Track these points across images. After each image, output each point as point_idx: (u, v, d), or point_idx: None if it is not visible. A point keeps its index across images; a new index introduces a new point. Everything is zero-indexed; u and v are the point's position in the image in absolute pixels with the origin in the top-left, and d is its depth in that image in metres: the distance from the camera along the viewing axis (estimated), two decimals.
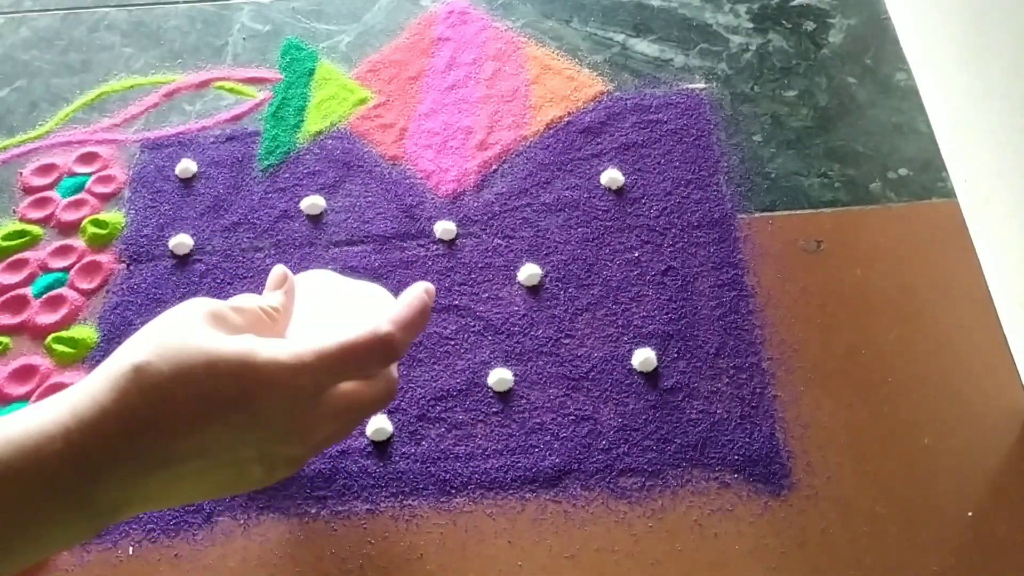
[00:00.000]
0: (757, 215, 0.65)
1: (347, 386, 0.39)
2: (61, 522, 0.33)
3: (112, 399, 0.33)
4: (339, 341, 0.37)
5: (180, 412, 0.34)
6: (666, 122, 0.70)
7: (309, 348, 0.36)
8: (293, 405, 0.36)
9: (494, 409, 0.57)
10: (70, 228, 0.66)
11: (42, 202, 0.68)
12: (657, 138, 0.69)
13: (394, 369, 0.42)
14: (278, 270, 0.44)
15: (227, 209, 0.67)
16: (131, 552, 0.52)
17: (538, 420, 0.56)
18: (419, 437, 0.56)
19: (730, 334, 0.59)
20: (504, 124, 0.71)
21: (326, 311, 0.44)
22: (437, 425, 0.56)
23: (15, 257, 0.65)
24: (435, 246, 0.64)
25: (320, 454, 0.55)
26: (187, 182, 0.68)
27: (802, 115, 0.71)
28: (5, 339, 0.61)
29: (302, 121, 0.72)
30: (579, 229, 0.65)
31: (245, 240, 0.65)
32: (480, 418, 0.57)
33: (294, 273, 0.62)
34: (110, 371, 0.34)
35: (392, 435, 0.56)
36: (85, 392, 0.34)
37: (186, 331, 0.35)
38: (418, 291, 0.41)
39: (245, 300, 0.41)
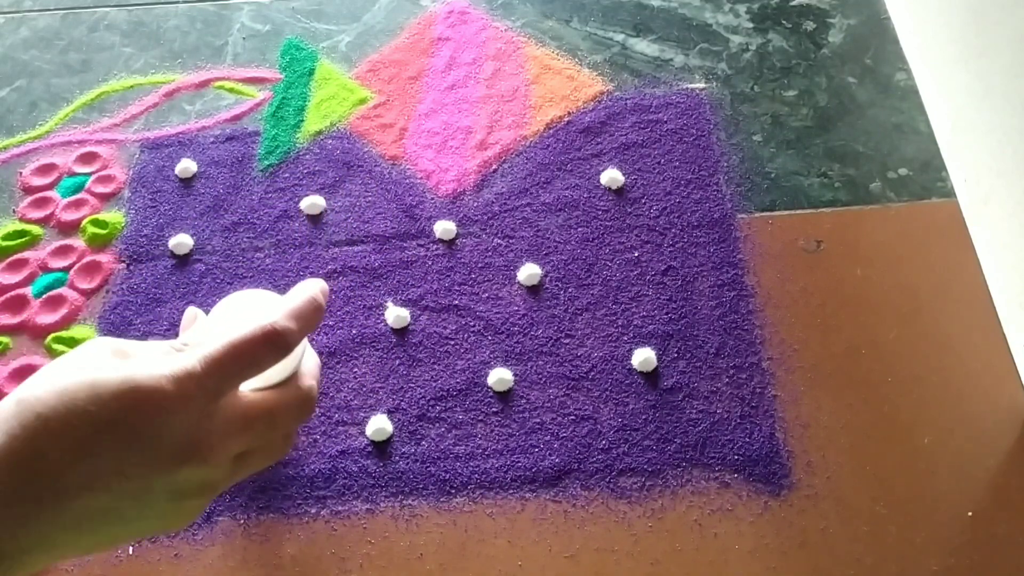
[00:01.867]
0: (757, 215, 0.65)
1: (249, 395, 0.37)
2: None
3: None
4: (224, 341, 0.35)
5: (63, 441, 0.32)
6: (666, 122, 0.70)
7: (194, 355, 0.34)
8: (185, 419, 0.33)
9: (494, 409, 0.57)
10: (70, 228, 0.66)
11: (42, 202, 0.68)
12: (657, 138, 0.69)
13: (306, 378, 0.40)
14: (188, 313, 0.43)
15: (227, 209, 0.67)
16: (131, 552, 0.52)
17: (538, 420, 0.56)
18: (419, 437, 0.56)
19: (730, 334, 0.59)
20: (504, 124, 0.71)
21: (229, 326, 0.43)
22: (437, 425, 0.56)
23: (15, 257, 0.65)
24: (435, 246, 0.64)
25: (251, 477, 0.53)
26: (187, 182, 0.68)
27: (802, 115, 0.71)
28: (5, 339, 0.61)
29: (302, 121, 0.72)
30: (579, 229, 0.65)
31: (245, 240, 0.65)
32: (480, 418, 0.57)
33: (293, 273, 0.63)
34: None
35: (392, 435, 0.56)
36: None
37: (75, 363, 0.34)
38: (307, 284, 0.40)
39: (153, 342, 0.39)
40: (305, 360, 0.41)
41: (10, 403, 0.32)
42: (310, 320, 0.39)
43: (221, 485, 0.36)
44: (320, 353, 0.59)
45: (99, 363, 0.34)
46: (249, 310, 0.42)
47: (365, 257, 0.64)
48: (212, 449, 0.34)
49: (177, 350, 0.37)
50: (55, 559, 0.34)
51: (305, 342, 0.44)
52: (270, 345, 0.36)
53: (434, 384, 0.58)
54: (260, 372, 0.37)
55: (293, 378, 0.39)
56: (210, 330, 0.41)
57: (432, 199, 0.67)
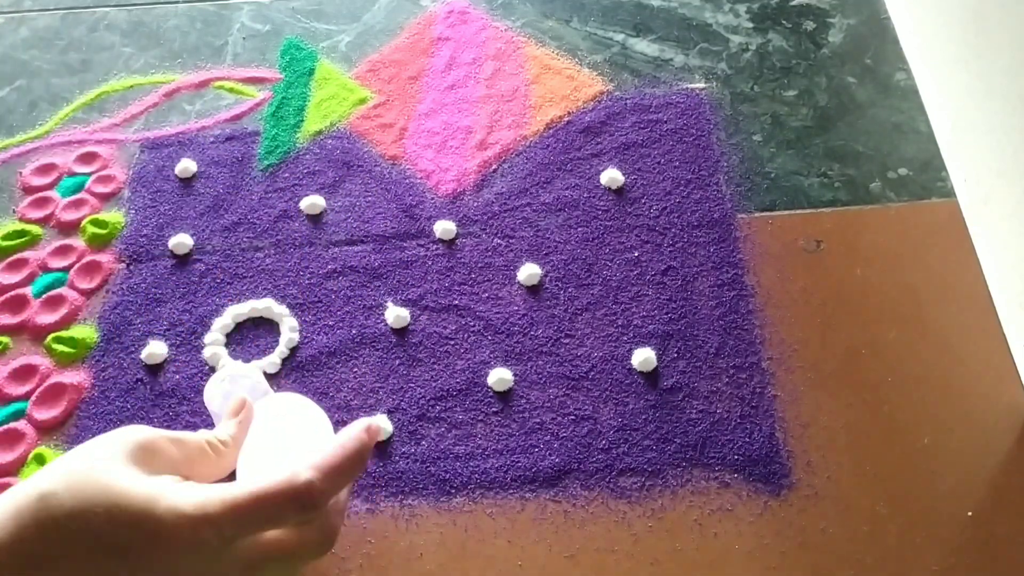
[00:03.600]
0: (757, 215, 0.65)
1: (270, 534, 0.36)
2: None
3: (10, 531, 0.32)
4: (250, 490, 0.34)
5: (75, 552, 0.32)
6: (666, 122, 0.70)
7: (217, 497, 0.34)
8: (196, 559, 0.33)
9: (494, 409, 0.57)
10: (70, 228, 0.66)
11: (42, 202, 0.68)
12: (657, 138, 0.69)
13: (334, 516, 0.39)
14: (238, 395, 0.42)
15: (227, 209, 0.67)
16: None
17: (538, 420, 0.56)
18: (419, 437, 0.56)
19: (730, 334, 0.59)
20: (504, 124, 0.71)
21: (277, 441, 0.42)
22: (437, 425, 0.56)
23: (15, 257, 0.65)
24: (435, 246, 0.64)
25: None
26: (187, 182, 0.68)
27: (802, 115, 0.71)
28: (5, 339, 0.61)
29: (302, 121, 0.72)
30: (579, 229, 0.65)
31: (245, 240, 0.65)
32: (480, 418, 0.57)
33: (293, 273, 0.62)
34: (18, 498, 0.33)
35: (392, 435, 0.56)
36: None
37: (101, 465, 0.34)
38: (356, 431, 0.38)
39: (190, 434, 0.39)
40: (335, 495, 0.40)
41: (32, 495, 0.32)
42: (351, 473, 0.37)
43: None
44: (320, 353, 0.59)
45: (125, 475, 0.34)
46: (296, 437, 0.40)
47: (365, 257, 0.64)
48: None
49: (214, 448, 0.37)
50: None
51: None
52: (298, 504, 0.35)
53: (434, 384, 0.58)
54: (282, 527, 0.36)
55: (321, 515, 0.38)
56: (254, 447, 0.40)
57: (432, 199, 0.67)
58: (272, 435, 0.43)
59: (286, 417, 0.45)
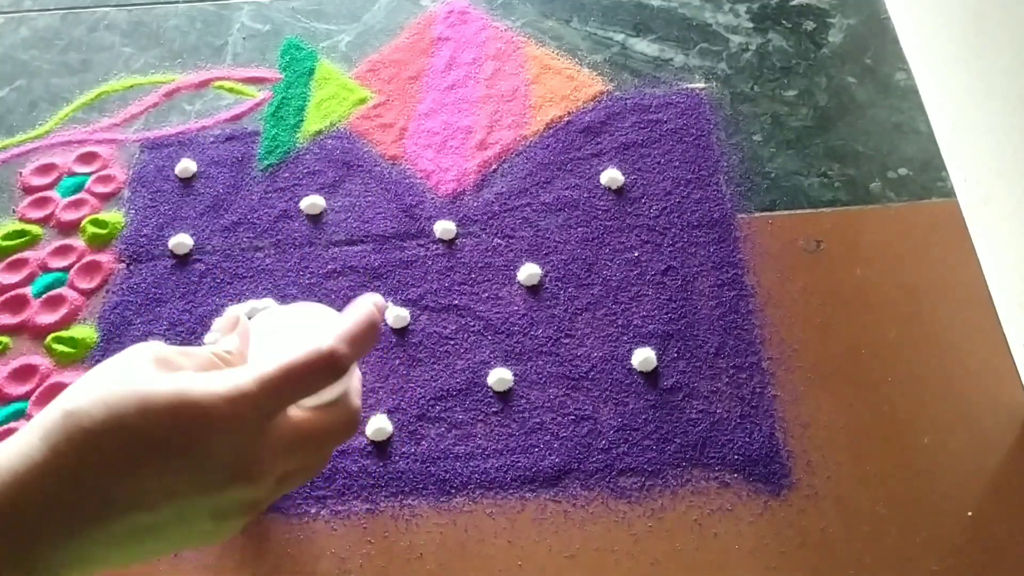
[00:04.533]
0: (757, 215, 0.65)
1: (300, 415, 0.36)
2: None
3: (42, 450, 0.31)
4: (279, 363, 0.34)
5: (112, 458, 0.32)
6: (666, 122, 0.70)
7: (248, 375, 0.34)
8: (237, 439, 0.33)
9: (494, 409, 0.57)
10: (70, 228, 0.66)
11: (42, 202, 0.68)
12: (657, 138, 0.69)
13: (354, 397, 0.40)
14: (229, 313, 0.43)
15: (227, 209, 0.67)
16: None
17: (538, 420, 0.56)
18: (419, 437, 0.56)
19: (730, 334, 0.59)
20: (504, 124, 0.71)
21: (280, 343, 0.43)
22: (437, 425, 0.56)
23: (15, 257, 0.65)
24: (435, 246, 0.64)
25: (286, 496, 0.54)
26: (187, 182, 0.68)
27: (802, 115, 0.71)
28: (5, 339, 0.61)
29: (302, 121, 0.72)
30: (579, 229, 0.65)
31: (245, 240, 0.65)
32: (480, 418, 0.57)
33: (294, 273, 0.63)
34: (44, 420, 0.32)
35: (392, 435, 0.56)
36: (17, 445, 0.32)
37: (122, 374, 0.34)
38: (365, 303, 0.39)
39: (197, 348, 0.38)
40: (351, 378, 0.41)
41: (56, 415, 0.32)
42: (367, 342, 0.38)
43: (263, 504, 0.36)
44: None
45: (148, 375, 0.34)
46: (303, 327, 0.41)
47: (365, 257, 0.64)
48: (261, 470, 0.34)
49: (222, 359, 0.38)
50: (89, 574, 0.34)
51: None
52: (327, 369, 0.35)
53: (434, 384, 0.58)
54: (314, 393, 0.36)
55: (343, 398, 0.39)
56: (262, 345, 0.41)
57: (432, 199, 0.67)
58: (280, 328, 0.43)
59: (287, 313, 0.44)
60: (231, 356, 0.39)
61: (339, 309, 0.64)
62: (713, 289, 0.61)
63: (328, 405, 0.38)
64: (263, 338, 0.42)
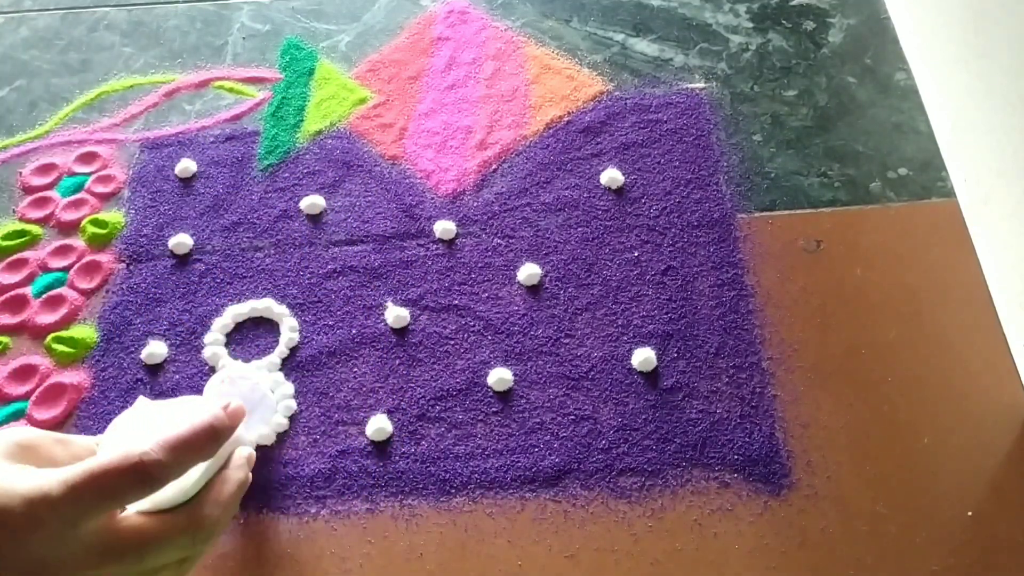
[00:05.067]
0: (757, 215, 0.65)
1: (127, 519, 0.34)
2: None
3: None
4: (87, 466, 0.32)
5: None
6: (666, 122, 0.70)
7: (56, 476, 0.32)
8: (37, 541, 0.31)
9: (494, 409, 0.57)
10: (70, 228, 0.66)
11: (42, 202, 0.68)
12: (657, 138, 0.69)
13: (209, 505, 0.37)
14: (139, 402, 0.41)
15: (227, 209, 0.67)
16: None
17: (538, 420, 0.56)
18: (419, 437, 0.56)
19: (730, 334, 0.59)
20: (504, 124, 0.71)
21: (145, 426, 0.40)
22: (437, 425, 0.56)
23: (15, 257, 0.65)
24: (435, 246, 0.64)
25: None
26: (187, 182, 0.68)
27: (802, 115, 0.71)
28: (5, 339, 0.61)
29: (302, 121, 0.72)
30: (579, 229, 0.65)
31: (245, 240, 0.65)
32: (480, 418, 0.57)
33: (293, 273, 0.62)
34: None
35: (392, 435, 0.56)
36: None
37: None
38: (209, 411, 0.37)
39: (82, 437, 0.37)
40: (223, 478, 0.38)
41: None
42: (197, 450, 0.36)
43: None
44: (320, 353, 0.59)
45: None
46: (153, 424, 0.38)
47: (365, 257, 0.64)
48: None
49: (59, 442, 0.36)
50: None
51: (239, 451, 0.41)
52: (134, 477, 0.33)
53: (434, 384, 0.58)
54: (125, 504, 0.34)
55: (191, 503, 0.36)
56: (104, 441, 0.39)
57: (432, 199, 0.67)
58: (140, 420, 0.40)
59: (171, 406, 0.42)
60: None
61: (339, 310, 0.64)
62: (713, 289, 0.61)
63: (167, 511, 0.35)
64: (114, 434, 0.39)
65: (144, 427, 0.39)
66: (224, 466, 0.40)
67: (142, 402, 0.43)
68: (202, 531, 0.37)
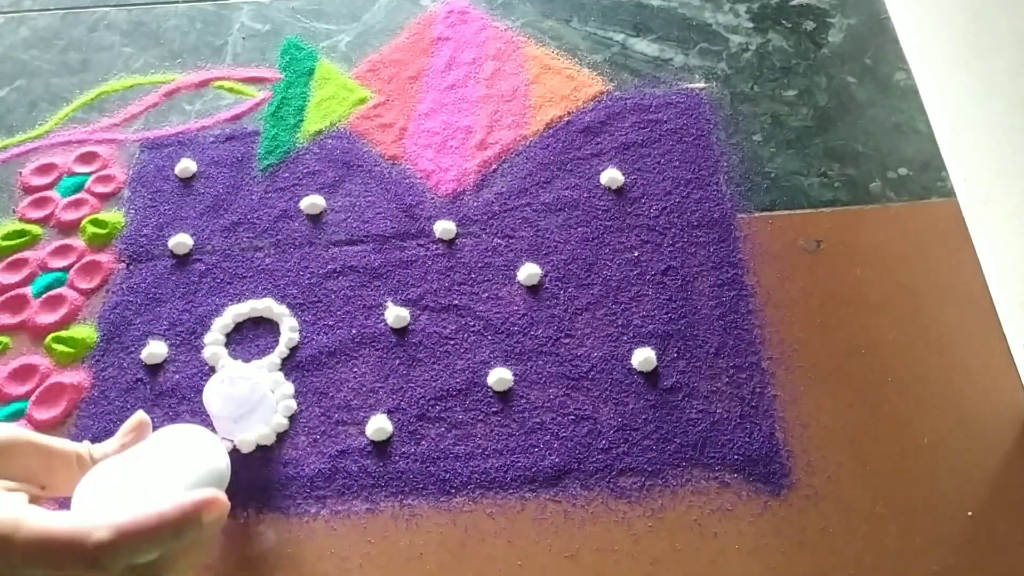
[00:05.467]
0: (757, 215, 0.65)
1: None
2: None
3: None
4: (45, 529, 0.33)
5: None
6: (666, 122, 0.70)
7: (21, 527, 0.32)
8: None
9: (494, 409, 0.57)
10: (70, 228, 0.66)
11: (42, 202, 0.68)
12: (657, 138, 0.69)
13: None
14: (136, 417, 0.40)
15: (227, 209, 0.67)
16: None
17: (538, 420, 0.56)
18: (419, 437, 0.56)
19: (730, 334, 0.59)
20: (504, 124, 0.71)
21: (122, 478, 0.39)
22: (437, 425, 0.56)
23: (15, 257, 0.65)
24: (435, 246, 0.64)
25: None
26: (187, 182, 0.68)
27: (802, 115, 0.71)
28: (5, 339, 0.61)
29: (302, 121, 0.72)
30: (579, 229, 0.65)
31: (245, 240, 0.65)
32: (480, 418, 0.57)
33: (293, 273, 0.62)
34: None
35: (392, 435, 0.56)
36: None
37: None
38: (186, 499, 0.36)
39: (64, 442, 0.37)
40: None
41: None
42: (158, 541, 0.35)
43: None
44: (320, 353, 0.59)
45: None
46: (142, 484, 0.38)
47: (365, 257, 0.64)
48: None
49: (80, 459, 0.36)
50: None
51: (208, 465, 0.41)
52: (81, 559, 0.33)
53: (434, 384, 0.58)
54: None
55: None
56: (86, 486, 0.38)
57: (432, 199, 0.67)
58: (124, 469, 0.40)
59: (162, 452, 0.41)
60: (93, 463, 0.37)
61: (339, 310, 0.64)
62: (713, 289, 0.61)
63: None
64: (112, 466, 0.39)
65: (121, 485, 0.38)
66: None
67: (135, 450, 0.42)
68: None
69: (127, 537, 0.34)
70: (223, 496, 0.37)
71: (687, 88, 0.73)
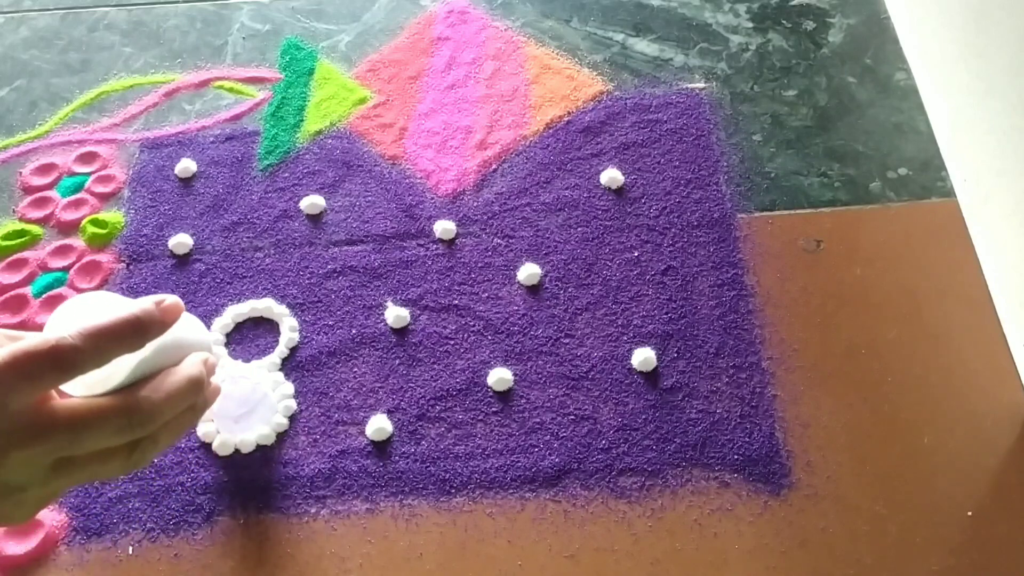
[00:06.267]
0: (757, 215, 0.65)
1: (57, 402, 0.35)
2: None
3: None
4: (8, 349, 0.33)
5: None
6: (666, 122, 0.70)
7: None
8: None
9: (494, 409, 0.57)
10: (70, 228, 0.66)
11: (42, 202, 0.68)
12: (657, 138, 0.69)
13: (149, 391, 0.37)
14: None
15: (227, 209, 0.67)
16: (131, 552, 0.52)
17: (538, 420, 0.56)
18: (419, 437, 0.56)
19: (730, 334, 0.59)
20: (504, 124, 0.71)
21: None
22: (437, 425, 0.56)
23: (15, 257, 0.65)
24: (435, 245, 0.64)
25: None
26: (187, 182, 0.68)
27: (802, 115, 0.71)
28: None
29: (302, 121, 0.72)
30: (579, 229, 0.65)
31: (245, 240, 0.65)
32: (480, 418, 0.57)
33: (293, 273, 0.62)
34: None
35: (392, 435, 0.56)
36: None
37: None
38: (138, 304, 0.37)
39: (33, 335, 0.37)
40: (169, 371, 0.38)
41: None
42: (118, 340, 0.35)
43: (33, 490, 0.35)
44: (320, 353, 0.59)
45: None
46: (91, 313, 0.38)
47: (365, 257, 0.64)
48: None
49: (11, 339, 0.36)
50: None
51: (196, 354, 0.40)
52: (49, 361, 0.34)
53: (434, 384, 0.58)
54: (45, 389, 0.35)
55: (130, 387, 0.37)
56: (47, 325, 0.39)
57: (432, 199, 0.67)
58: (87, 311, 0.40)
59: (99, 302, 0.42)
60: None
61: (339, 310, 0.64)
62: (713, 289, 0.61)
63: (101, 394, 0.36)
64: (61, 318, 0.39)
65: (82, 316, 0.38)
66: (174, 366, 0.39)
67: (95, 295, 0.42)
68: (138, 414, 0.36)
69: (89, 336, 0.34)
70: (180, 302, 0.38)
71: (687, 88, 0.73)
